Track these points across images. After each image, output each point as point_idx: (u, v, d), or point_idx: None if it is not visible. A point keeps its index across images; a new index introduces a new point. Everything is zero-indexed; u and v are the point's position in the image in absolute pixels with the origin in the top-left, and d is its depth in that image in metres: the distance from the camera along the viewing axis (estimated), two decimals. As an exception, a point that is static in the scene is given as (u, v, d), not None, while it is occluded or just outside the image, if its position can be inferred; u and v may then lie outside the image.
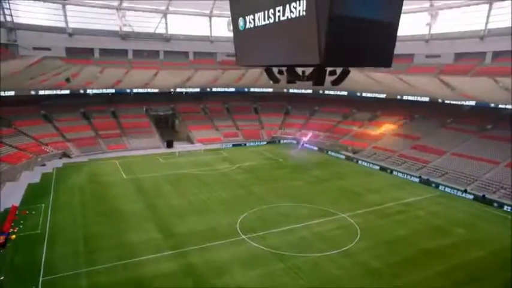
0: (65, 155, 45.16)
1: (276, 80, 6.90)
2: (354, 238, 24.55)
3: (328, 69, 5.71)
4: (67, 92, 49.99)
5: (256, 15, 5.20)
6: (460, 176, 37.88)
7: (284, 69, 6.32)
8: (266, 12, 4.97)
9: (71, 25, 57.48)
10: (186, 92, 61.60)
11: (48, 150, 44.16)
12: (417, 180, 38.79)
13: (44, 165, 40.83)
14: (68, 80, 49.82)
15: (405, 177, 40.08)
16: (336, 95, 58.52)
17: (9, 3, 51.41)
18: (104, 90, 54.23)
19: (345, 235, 25.11)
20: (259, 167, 43.85)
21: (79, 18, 57.76)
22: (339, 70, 5.86)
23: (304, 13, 4.29)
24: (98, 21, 59.09)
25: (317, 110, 64.92)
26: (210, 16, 67.09)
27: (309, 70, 5.84)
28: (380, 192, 34.75)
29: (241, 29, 5.69)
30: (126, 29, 61.37)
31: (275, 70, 6.69)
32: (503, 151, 39.00)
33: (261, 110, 66.71)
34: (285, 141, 59.25)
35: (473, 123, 45.20)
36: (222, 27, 64.69)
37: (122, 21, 56.46)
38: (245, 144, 56.81)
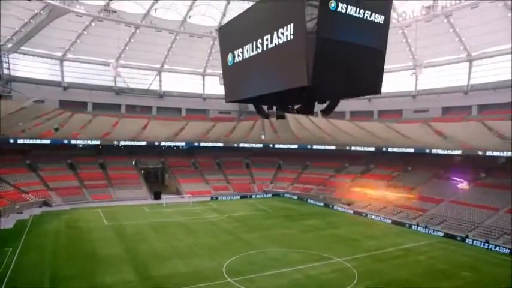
0: (46, 203, 42.79)
1: (265, 116, 7.14)
2: (351, 281, 22.30)
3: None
4: (54, 142, 48.93)
5: (245, 48, 5.46)
6: (459, 223, 36.18)
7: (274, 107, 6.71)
8: (254, 43, 5.22)
9: (66, 79, 58.70)
10: (177, 146, 61.04)
11: (28, 198, 41.90)
12: (415, 227, 37.00)
13: (21, 212, 38.38)
14: (56, 129, 49.35)
15: (403, 225, 38.37)
16: (327, 150, 58.23)
17: (8, 57, 52.88)
18: (93, 142, 53.30)
19: (342, 278, 22.89)
20: (250, 217, 41.72)
21: (74, 73, 59.27)
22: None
23: (292, 37, 4.50)
24: (93, 77, 60.51)
25: (309, 165, 64.18)
26: (203, 75, 69.49)
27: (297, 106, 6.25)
28: (378, 239, 32.71)
29: (230, 64, 5.95)
30: (120, 84, 62.77)
31: (265, 107, 7.00)
32: (501, 198, 37.86)
33: (252, 165, 65.79)
34: (277, 195, 57.65)
35: (467, 172, 44.51)
36: (214, 85, 66.52)
37: (117, 75, 57.58)
38: (236, 197, 54.95)
